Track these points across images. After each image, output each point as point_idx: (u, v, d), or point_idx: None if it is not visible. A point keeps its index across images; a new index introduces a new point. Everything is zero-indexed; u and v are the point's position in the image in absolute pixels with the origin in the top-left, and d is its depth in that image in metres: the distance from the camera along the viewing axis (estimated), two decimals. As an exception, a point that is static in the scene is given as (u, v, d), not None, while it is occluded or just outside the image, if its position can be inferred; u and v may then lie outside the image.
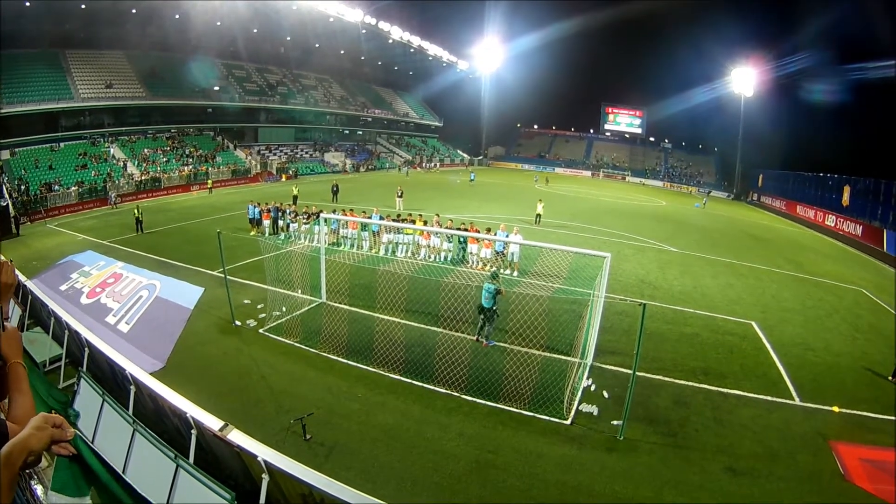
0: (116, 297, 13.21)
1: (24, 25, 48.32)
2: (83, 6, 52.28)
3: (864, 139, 62.25)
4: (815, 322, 20.49)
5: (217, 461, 7.78)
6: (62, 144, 50.09)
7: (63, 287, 14.55)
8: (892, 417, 12.95)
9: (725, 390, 13.92)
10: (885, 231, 38.60)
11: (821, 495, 9.99)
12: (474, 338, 15.96)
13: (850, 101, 61.97)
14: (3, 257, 3.22)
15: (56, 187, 42.31)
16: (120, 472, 6.12)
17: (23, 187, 40.36)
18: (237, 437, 6.86)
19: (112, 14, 55.49)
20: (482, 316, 15.64)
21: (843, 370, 15.99)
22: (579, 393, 12.98)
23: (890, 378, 15.29)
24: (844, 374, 15.69)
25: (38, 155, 46.47)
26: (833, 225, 49.04)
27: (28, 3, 47.06)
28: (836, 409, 13.24)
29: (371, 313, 17.79)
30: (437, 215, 28.12)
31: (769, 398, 13.64)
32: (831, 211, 50.79)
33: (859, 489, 10.13)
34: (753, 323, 19.46)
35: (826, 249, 40.05)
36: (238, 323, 16.78)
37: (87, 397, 8.74)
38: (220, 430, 6.94)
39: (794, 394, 13.99)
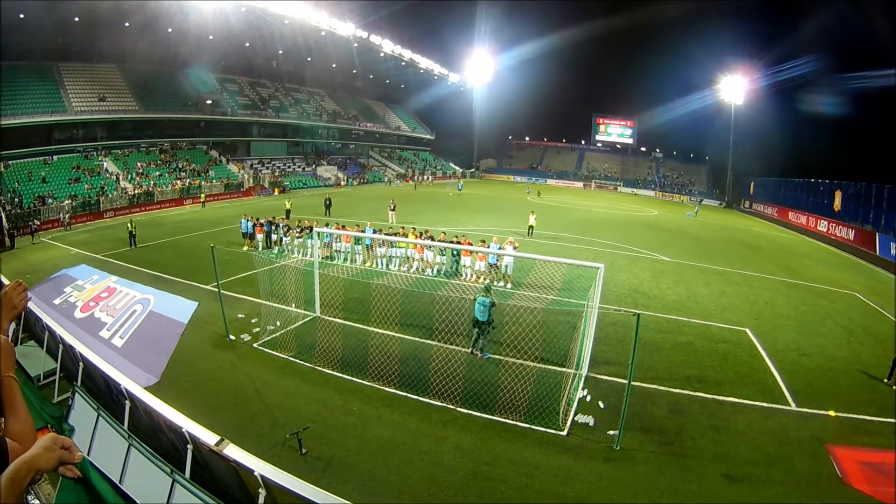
0: (110, 312, 13.15)
1: (18, 38, 48.27)
2: (76, 19, 52.31)
3: (854, 144, 63.04)
4: (809, 327, 20.57)
5: (213, 476, 7.75)
6: (55, 157, 50.08)
7: (57, 301, 14.48)
8: (889, 420, 13.00)
9: (721, 398, 13.94)
10: (877, 234, 38.92)
11: (819, 499, 10.02)
12: (469, 350, 15.95)
13: (841, 107, 62.67)
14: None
15: (49, 200, 42.23)
16: (122, 488, 6.08)
17: (16, 200, 40.26)
18: (233, 451, 6.83)
19: (105, 27, 55.51)
20: (476, 329, 15.63)
21: (839, 374, 16.07)
22: (575, 404, 12.97)
23: (885, 380, 15.35)
24: (840, 378, 15.76)
25: (31, 168, 46.48)
26: (825, 230, 49.46)
27: (22, 16, 47.03)
28: (832, 413, 13.28)
29: (365, 327, 17.75)
30: (427, 231, 28.11)
31: (765, 404, 13.68)
32: (823, 216, 51.22)
33: (858, 492, 10.15)
34: (747, 330, 19.52)
35: (818, 254, 40.27)
36: (232, 337, 16.72)
37: (82, 412, 8.70)
38: (217, 444, 6.92)
39: (789, 399, 14.04)
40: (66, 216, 40.50)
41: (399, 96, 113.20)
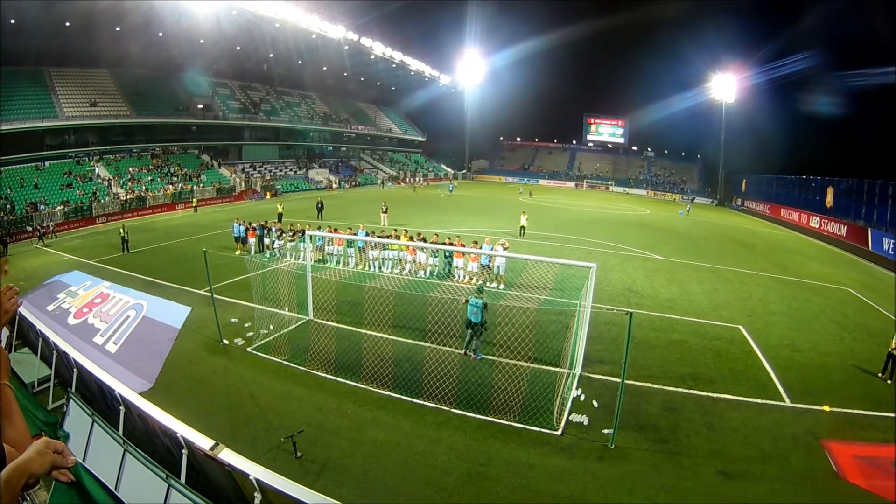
0: (104, 317, 13.11)
1: (9, 43, 48.00)
2: (68, 24, 52.22)
3: (845, 141, 63.35)
4: (803, 323, 20.67)
5: (209, 481, 7.73)
6: (47, 163, 49.92)
7: (50, 307, 14.42)
8: (883, 413, 13.08)
9: (715, 395, 13.99)
10: (869, 230, 39.11)
11: (815, 494, 10.06)
12: (462, 352, 15.95)
13: (832, 105, 63.05)
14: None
15: (42, 206, 42.05)
16: (117, 495, 6.07)
17: (8, 206, 40.10)
18: (228, 456, 6.81)
19: (97, 32, 55.31)
20: (470, 330, 15.64)
21: (832, 369, 16.16)
22: (569, 403, 13.00)
23: (879, 375, 15.44)
24: (833, 374, 15.86)
25: (23, 174, 46.31)
26: (817, 226, 49.69)
27: (13, 21, 46.84)
28: (826, 408, 13.35)
29: (359, 330, 17.74)
30: (420, 233, 28.04)
31: (759, 401, 13.73)
32: (815, 212, 51.47)
33: (854, 486, 10.20)
34: (741, 327, 19.59)
35: (811, 251, 40.47)
36: (226, 342, 16.70)
37: (77, 418, 8.68)
38: (211, 449, 6.90)
39: (783, 395, 14.10)
40: (52, 224, 39.44)
41: (390, 98, 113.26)
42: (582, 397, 13.46)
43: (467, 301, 15.62)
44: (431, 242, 24.74)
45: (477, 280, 23.29)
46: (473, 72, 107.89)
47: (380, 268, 26.19)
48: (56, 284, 16.04)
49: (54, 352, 11.56)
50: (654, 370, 15.45)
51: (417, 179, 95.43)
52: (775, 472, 10.65)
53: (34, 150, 49.53)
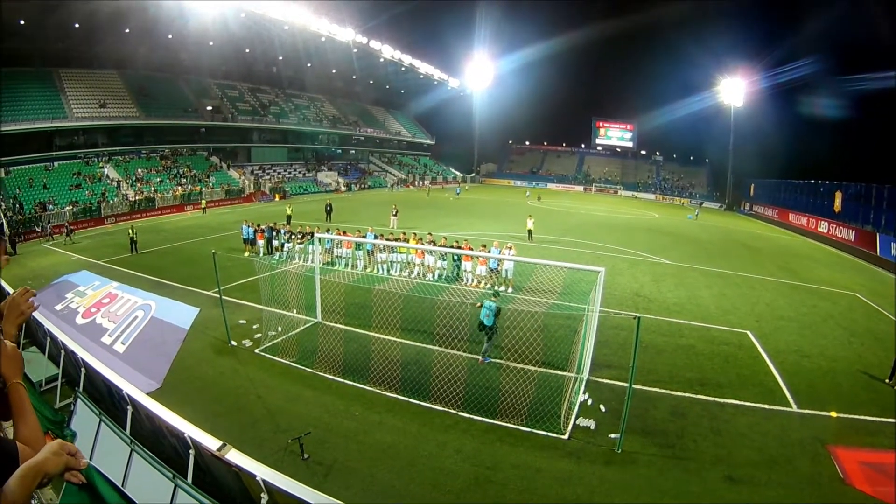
0: (112, 318, 13.15)
1: (18, 44, 48.51)
2: (77, 25, 52.58)
3: (854, 146, 63.06)
4: (810, 328, 20.56)
5: (215, 481, 7.74)
6: (56, 164, 50.33)
7: (58, 307, 14.47)
8: (891, 420, 13.00)
9: (722, 400, 13.93)
10: (877, 235, 38.91)
11: (821, 500, 10.03)
12: (478, 355, 15.91)
13: (840, 109, 62.80)
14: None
15: (50, 206, 42.32)
16: (129, 496, 6.08)
17: (17, 206, 40.31)
18: (235, 456, 6.82)
19: (106, 33, 55.71)
20: (483, 332, 15.64)
21: (840, 375, 16.07)
22: (576, 407, 12.97)
23: (887, 381, 15.36)
24: (841, 379, 15.76)
25: (32, 174, 46.67)
26: (826, 231, 49.44)
27: (22, 22, 47.16)
28: (833, 414, 13.28)
29: (367, 332, 17.75)
30: (430, 234, 28.05)
31: (766, 406, 13.67)
32: (823, 217, 51.20)
33: (859, 492, 10.16)
34: (748, 332, 19.50)
35: (819, 256, 40.25)
36: (234, 343, 16.74)
37: (84, 417, 8.70)
38: (219, 449, 6.91)
39: (790, 401, 14.03)
40: (49, 226, 39.06)
41: (399, 101, 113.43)
42: (589, 402, 13.43)
43: (481, 305, 15.63)
44: (440, 246, 24.75)
45: (485, 284, 23.30)
46: (482, 75, 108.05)
47: (388, 271, 26.23)
48: (64, 284, 16.11)
49: (62, 351, 11.62)
50: (661, 375, 15.41)
51: (427, 182, 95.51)
52: (781, 477, 10.61)
53: (43, 151, 49.99)
